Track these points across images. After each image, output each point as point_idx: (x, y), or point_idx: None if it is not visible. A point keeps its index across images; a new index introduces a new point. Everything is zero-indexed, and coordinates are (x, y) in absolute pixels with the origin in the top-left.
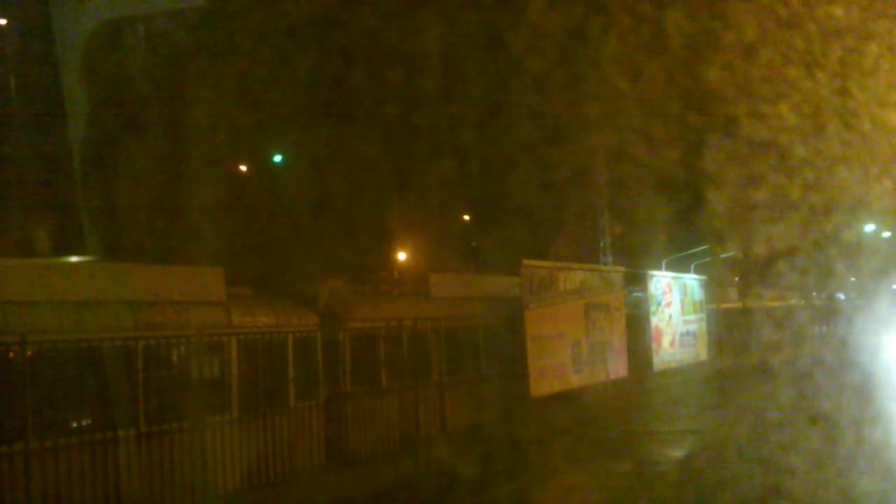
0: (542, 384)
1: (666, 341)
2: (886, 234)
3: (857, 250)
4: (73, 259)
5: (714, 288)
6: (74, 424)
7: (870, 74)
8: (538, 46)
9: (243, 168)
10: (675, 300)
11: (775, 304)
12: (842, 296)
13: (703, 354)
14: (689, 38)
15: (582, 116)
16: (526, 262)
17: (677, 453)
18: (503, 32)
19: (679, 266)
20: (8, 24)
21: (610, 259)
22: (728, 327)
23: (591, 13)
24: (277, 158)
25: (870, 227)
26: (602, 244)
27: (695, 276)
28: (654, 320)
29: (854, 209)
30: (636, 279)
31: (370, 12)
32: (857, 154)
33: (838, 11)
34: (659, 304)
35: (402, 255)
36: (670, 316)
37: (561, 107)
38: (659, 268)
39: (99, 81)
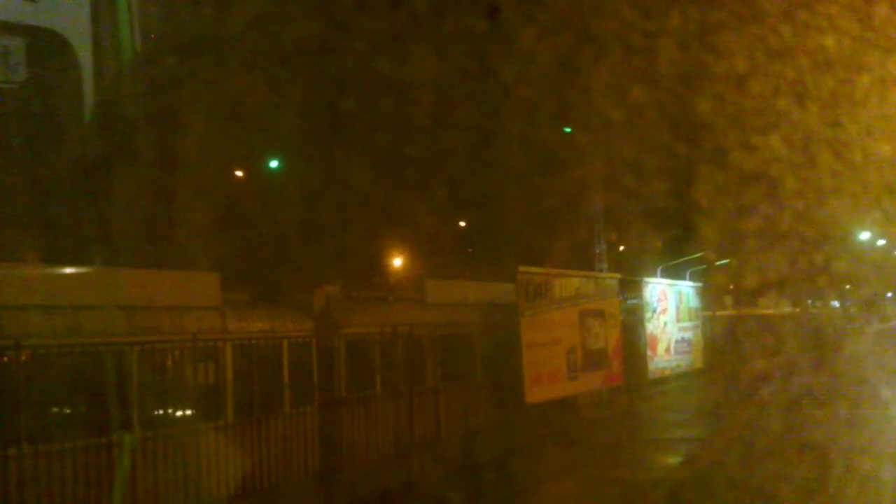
0: (536, 391)
1: (661, 348)
2: (881, 243)
3: (851, 259)
4: (69, 264)
5: (709, 295)
6: (68, 429)
7: (861, 106)
8: (534, 60)
9: (239, 174)
10: (670, 307)
11: (770, 311)
12: (836, 304)
13: (699, 362)
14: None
15: (578, 128)
16: (521, 268)
17: (671, 461)
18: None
19: (674, 273)
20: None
21: (605, 266)
22: (723, 335)
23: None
24: (273, 164)
25: (865, 236)
26: (597, 251)
27: (690, 283)
28: (649, 327)
29: (847, 200)
30: (631, 286)
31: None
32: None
33: (829, 43)
34: (654, 310)
35: (397, 262)
36: (665, 323)
37: (556, 121)
38: (654, 275)
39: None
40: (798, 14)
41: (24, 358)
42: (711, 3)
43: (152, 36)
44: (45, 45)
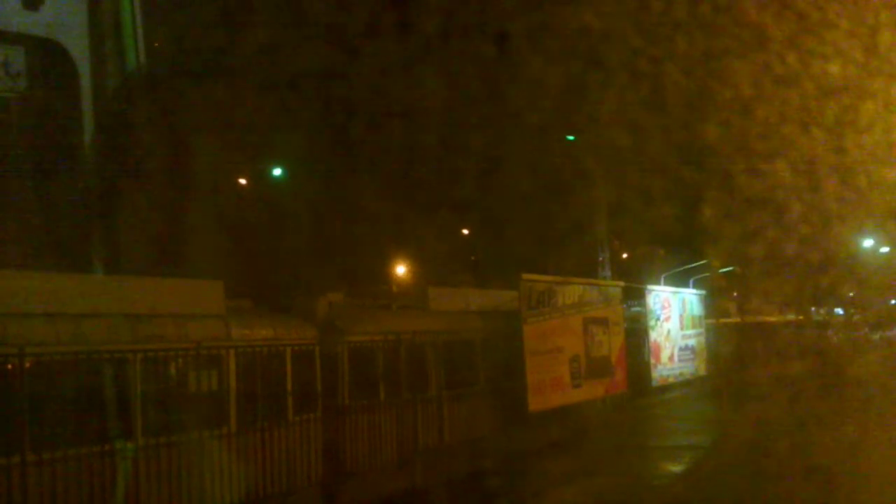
0: (540, 399)
1: (665, 356)
2: (884, 250)
3: (855, 266)
4: (72, 272)
5: (713, 303)
6: (72, 437)
7: (866, 132)
8: (541, 82)
9: (243, 182)
10: (673, 315)
11: (773, 319)
12: (840, 311)
13: (703, 369)
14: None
15: (585, 152)
16: (525, 276)
17: (675, 469)
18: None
19: (678, 281)
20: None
21: (609, 273)
22: (727, 343)
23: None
24: (277, 172)
25: (868, 243)
26: (601, 258)
27: (694, 290)
28: (653, 335)
29: (853, 225)
30: (635, 293)
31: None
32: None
33: (834, 69)
34: (658, 318)
35: (401, 269)
36: (669, 330)
37: (562, 135)
38: (658, 282)
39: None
40: (803, 41)
41: (27, 365)
42: (717, 30)
43: (155, 44)
44: (46, 55)
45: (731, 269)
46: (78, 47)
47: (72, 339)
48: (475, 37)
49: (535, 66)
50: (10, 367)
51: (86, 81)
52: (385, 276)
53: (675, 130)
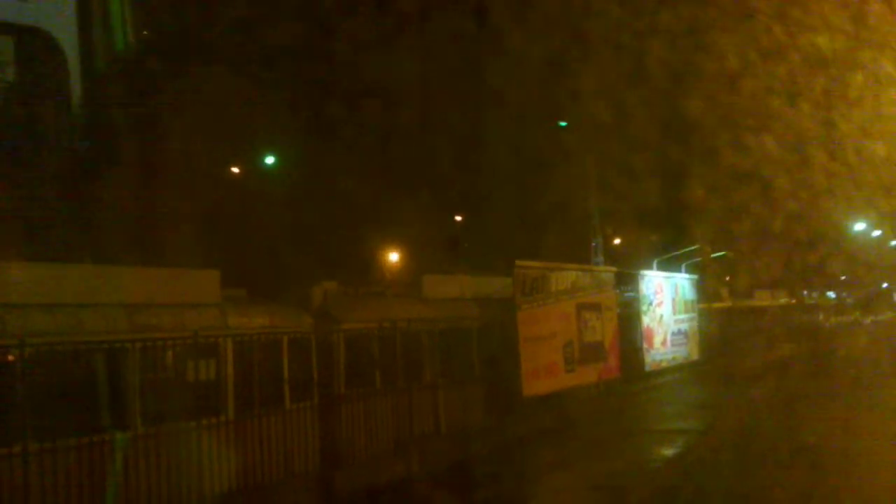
0: (534, 384)
1: (657, 340)
2: (876, 233)
3: (847, 250)
4: (68, 263)
5: (705, 287)
6: (72, 426)
7: (855, 104)
8: (524, 61)
9: (235, 170)
10: (666, 299)
11: (765, 303)
12: (832, 294)
13: (695, 353)
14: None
15: (572, 128)
16: (518, 262)
17: (667, 452)
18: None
19: (671, 265)
20: None
21: (601, 259)
22: (719, 327)
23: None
24: (269, 160)
25: (860, 227)
26: (593, 244)
27: (686, 275)
28: (646, 320)
29: (842, 201)
30: (628, 279)
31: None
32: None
33: (822, 41)
34: (650, 303)
35: (394, 257)
36: (662, 315)
37: (550, 117)
38: (650, 267)
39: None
40: (790, 12)
41: (27, 356)
42: (702, 2)
43: (144, 32)
44: (34, 44)
45: (722, 253)
46: (65, 35)
47: (70, 329)
48: (454, 12)
49: (516, 41)
50: (10, 357)
51: (74, 69)
52: (378, 264)
53: (659, 105)
